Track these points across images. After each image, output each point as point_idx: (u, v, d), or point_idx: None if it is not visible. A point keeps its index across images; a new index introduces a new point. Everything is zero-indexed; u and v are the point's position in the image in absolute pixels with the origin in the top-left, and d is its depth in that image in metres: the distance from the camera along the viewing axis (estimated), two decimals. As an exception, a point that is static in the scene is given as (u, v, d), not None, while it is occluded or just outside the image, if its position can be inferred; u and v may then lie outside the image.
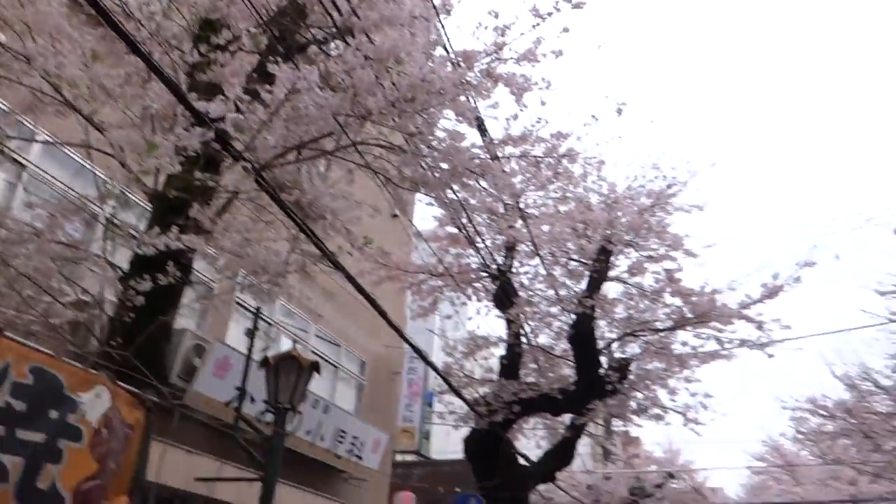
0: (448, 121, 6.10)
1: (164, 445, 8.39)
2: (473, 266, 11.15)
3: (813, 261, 10.25)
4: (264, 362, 6.54)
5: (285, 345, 10.91)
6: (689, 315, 10.64)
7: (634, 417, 12.12)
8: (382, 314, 7.64)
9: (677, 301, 10.73)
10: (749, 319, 10.47)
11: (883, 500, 17.71)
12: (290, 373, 6.41)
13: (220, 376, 9.18)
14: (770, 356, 10.58)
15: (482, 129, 6.99)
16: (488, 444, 10.73)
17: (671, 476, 22.30)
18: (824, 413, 14.59)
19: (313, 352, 11.99)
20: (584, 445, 19.91)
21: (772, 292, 10.40)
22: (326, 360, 12.66)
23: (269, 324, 10.93)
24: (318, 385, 11.78)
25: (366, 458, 12.94)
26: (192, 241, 5.08)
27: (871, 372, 13.12)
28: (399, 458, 22.90)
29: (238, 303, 10.44)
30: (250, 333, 7.67)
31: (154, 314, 5.36)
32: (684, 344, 11.25)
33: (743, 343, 10.74)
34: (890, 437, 12.69)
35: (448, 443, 19.50)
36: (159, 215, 5.53)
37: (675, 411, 11.53)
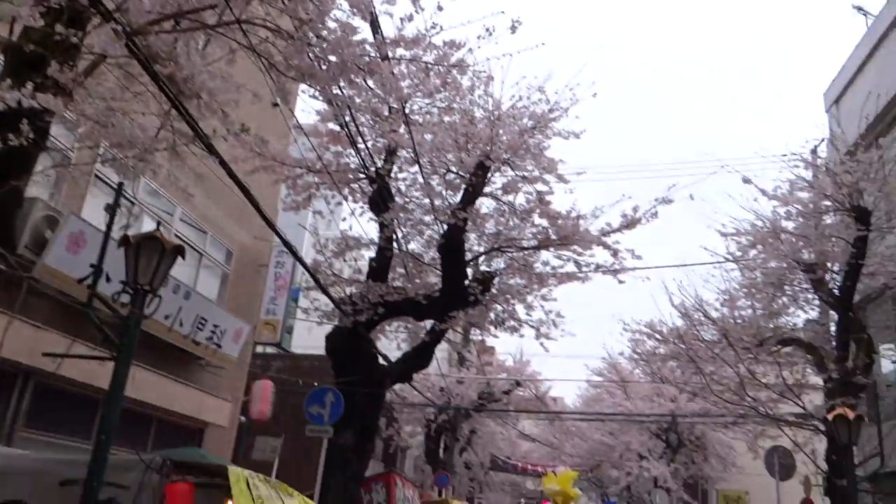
0: (341, 11, 5.89)
1: (8, 317, 7.95)
2: (352, 166, 11.04)
3: (670, 198, 10.97)
4: (124, 241, 6.25)
5: (147, 225, 10.44)
6: (554, 237, 11.16)
7: (492, 328, 12.76)
8: (254, 204, 7.47)
9: (544, 222, 11.19)
10: (606, 246, 11.13)
11: (697, 415, 19.90)
12: (152, 254, 6.18)
13: (74, 252, 8.71)
14: (621, 282, 11.39)
15: (375, 27, 6.80)
16: (350, 342, 10.97)
17: (518, 384, 23.86)
18: (659, 337, 15.99)
19: (177, 236, 11.56)
20: (441, 351, 20.79)
21: (630, 223, 11.07)
22: (191, 246, 12.26)
23: (132, 202, 10.39)
24: (180, 270, 11.44)
25: (226, 346, 12.87)
26: (49, 101, 4.68)
27: (703, 304, 14.42)
28: (260, 349, 22.95)
29: (98, 176, 9.81)
30: (110, 209, 7.28)
31: (3, 178, 4.96)
32: (545, 264, 11.85)
33: (598, 268, 11.46)
34: (711, 362, 14.13)
35: (310, 339, 19.70)
36: (13, 68, 5.03)
37: (529, 325, 12.22)
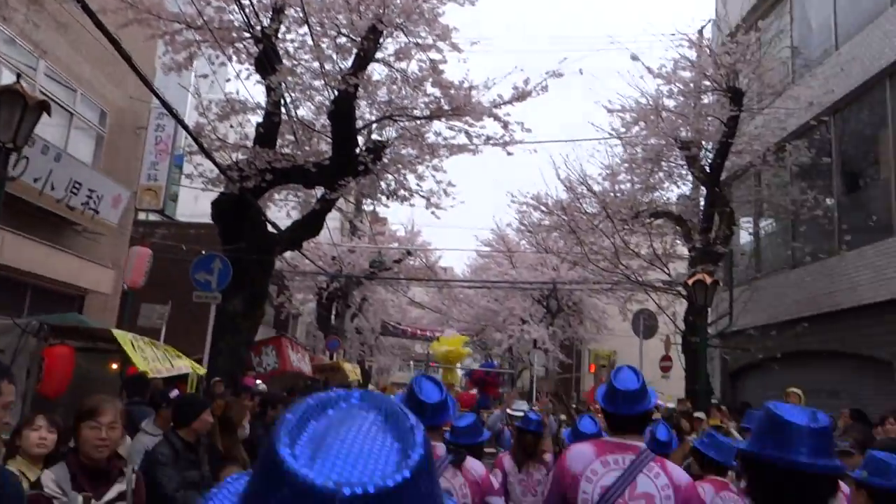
0: None
1: None
2: (236, 24, 10.38)
3: (561, 72, 11.09)
4: (-21, 94, 5.75)
5: (7, 78, 9.54)
6: (446, 107, 11.12)
7: (383, 198, 12.81)
8: (126, 58, 6.97)
9: (437, 92, 11.09)
10: (497, 118, 11.24)
11: (575, 282, 21.21)
12: (14, 109, 5.74)
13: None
14: (510, 154, 11.63)
15: None
16: (237, 208, 10.77)
17: (409, 253, 24.39)
18: (544, 210, 16.65)
19: (42, 91, 10.66)
20: (333, 220, 20.76)
21: (521, 96, 11.17)
22: (59, 104, 11.36)
23: (-14, 52, 9.41)
24: (49, 130, 10.66)
25: (104, 212, 12.32)
26: None
27: (587, 178, 15.05)
28: (143, 217, 22.09)
29: (-57, 21, 8.76)
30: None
31: None
32: (437, 134, 11.85)
33: (489, 140, 11.60)
34: (590, 233, 14.96)
35: (197, 207, 19.11)
36: None
37: (420, 195, 12.37)
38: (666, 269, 14.01)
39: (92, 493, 3.48)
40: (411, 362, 45.36)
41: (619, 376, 3.11)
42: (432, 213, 12.38)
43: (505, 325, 27.17)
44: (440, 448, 3.10)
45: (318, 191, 12.29)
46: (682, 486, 2.91)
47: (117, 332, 6.16)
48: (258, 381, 12.62)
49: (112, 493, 3.56)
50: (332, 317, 23.89)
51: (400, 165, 12.05)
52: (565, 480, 3.08)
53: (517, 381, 29.71)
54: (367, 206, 21.99)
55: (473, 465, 3.13)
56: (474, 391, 17.50)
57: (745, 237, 16.53)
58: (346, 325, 24.26)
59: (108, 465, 3.56)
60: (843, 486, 3.64)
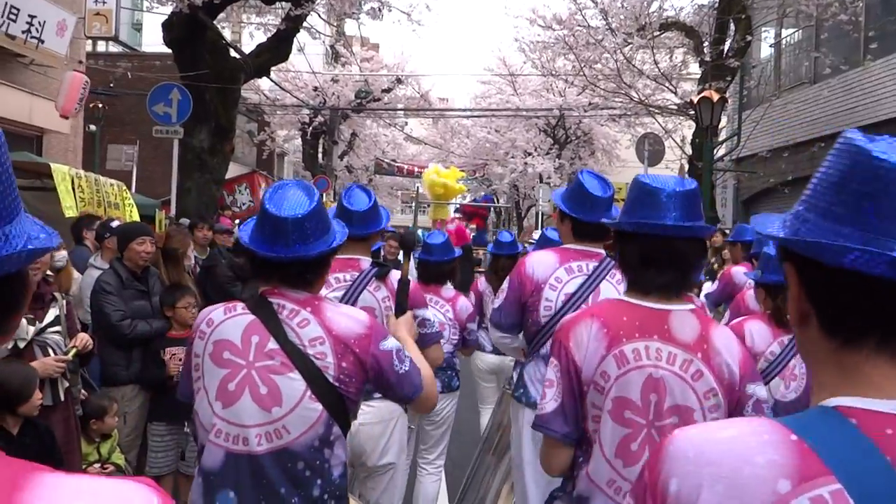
0: None
1: None
2: None
3: None
4: None
5: None
6: None
7: (362, 16, 12.39)
8: None
9: None
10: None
11: (581, 108, 20.88)
12: None
13: None
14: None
15: None
16: (192, 31, 10.46)
17: (399, 81, 23.87)
18: (542, 24, 16.01)
19: None
20: (315, 45, 20.15)
21: None
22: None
23: None
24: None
25: (49, 41, 11.97)
26: None
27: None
28: (102, 48, 21.53)
29: None
30: None
31: None
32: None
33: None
34: (591, 49, 14.46)
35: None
36: None
37: (399, 10, 11.94)
38: (673, 88, 13.73)
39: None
40: (412, 204, 45.69)
41: (588, 181, 3.14)
42: (415, 32, 12.04)
43: (507, 159, 27.09)
44: (364, 262, 3.22)
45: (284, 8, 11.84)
46: None
47: (56, 168, 6.23)
48: (236, 221, 12.88)
49: (49, 317, 3.80)
50: (320, 155, 23.87)
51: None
52: (526, 288, 3.18)
53: (524, 220, 30.09)
54: (354, 34, 21.30)
55: (398, 277, 3.28)
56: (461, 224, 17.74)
57: (763, 51, 16.03)
58: (336, 163, 24.27)
59: (41, 290, 3.77)
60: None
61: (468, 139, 29.35)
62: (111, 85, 17.49)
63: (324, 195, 21.43)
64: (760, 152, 13.88)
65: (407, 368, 2.10)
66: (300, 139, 23.92)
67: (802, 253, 0.87)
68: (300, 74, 21.66)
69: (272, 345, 1.96)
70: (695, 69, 14.34)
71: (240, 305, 2.08)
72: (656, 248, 1.97)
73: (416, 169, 33.13)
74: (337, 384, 1.96)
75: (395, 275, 3.25)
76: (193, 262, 6.74)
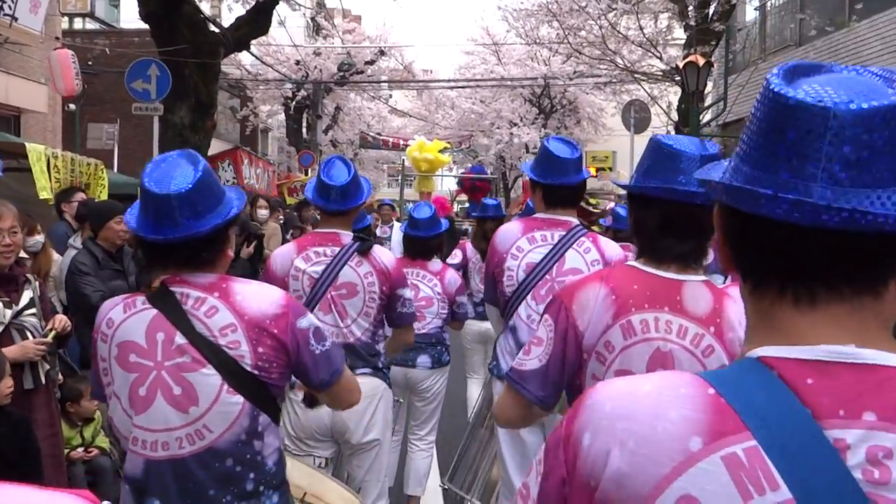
0: None
1: None
2: None
3: None
4: None
5: None
6: None
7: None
8: None
9: None
10: None
11: (566, 77, 20.72)
12: None
13: None
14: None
15: None
16: (168, 4, 10.22)
17: (382, 53, 23.59)
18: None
19: None
20: (296, 17, 19.85)
21: None
22: None
23: None
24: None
25: (23, 18, 11.65)
26: None
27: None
28: (79, 25, 21.16)
29: None
30: None
31: None
32: None
33: None
34: (574, 15, 14.28)
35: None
36: None
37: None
38: (659, 54, 13.60)
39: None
40: (399, 177, 45.48)
41: (554, 145, 3.07)
42: (396, 1, 11.83)
43: (492, 130, 26.91)
44: (345, 236, 3.14)
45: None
46: (614, 261, 2.99)
47: (31, 147, 6.07)
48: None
49: (24, 300, 3.70)
50: (304, 129, 23.61)
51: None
52: (493, 260, 3.15)
53: (511, 192, 30.00)
54: (334, 4, 20.95)
55: (381, 253, 3.20)
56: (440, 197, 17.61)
57: (748, 13, 15.91)
58: (320, 137, 24.01)
59: (14, 272, 3.67)
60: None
61: (453, 111, 29.13)
62: (90, 63, 17.19)
63: (309, 170, 21.32)
64: (746, 117, 13.77)
65: (325, 349, 1.96)
66: (283, 114, 23.63)
67: (724, 200, 0.84)
68: (282, 48, 21.33)
69: (180, 340, 1.80)
70: (680, 34, 14.21)
71: (140, 300, 1.89)
72: (680, 215, 1.81)
73: (401, 142, 32.87)
74: (256, 372, 1.82)
75: (377, 250, 3.17)
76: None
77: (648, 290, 1.86)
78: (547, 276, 2.96)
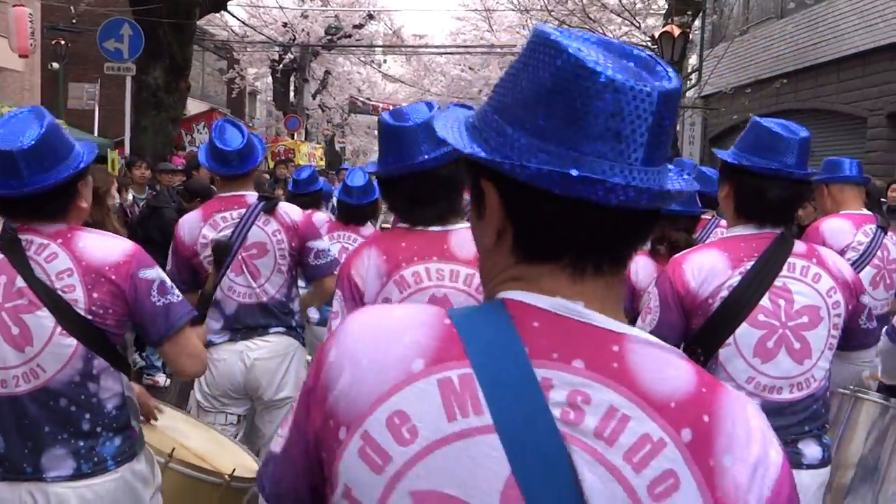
0: None
1: None
2: None
3: None
4: None
5: None
6: None
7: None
8: None
9: None
10: None
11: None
12: None
13: None
14: None
15: None
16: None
17: (371, 17, 23.32)
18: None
19: None
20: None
21: None
22: None
23: None
24: None
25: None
26: None
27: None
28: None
29: None
30: None
31: None
32: None
33: None
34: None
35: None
36: None
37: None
38: (638, 24, 13.48)
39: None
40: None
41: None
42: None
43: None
44: (250, 197, 3.18)
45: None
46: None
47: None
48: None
49: None
50: (291, 93, 23.43)
51: None
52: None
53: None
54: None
55: (287, 209, 3.24)
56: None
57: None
58: (308, 101, 23.85)
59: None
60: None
61: (443, 77, 28.90)
62: (73, 21, 16.99)
63: (294, 135, 21.16)
64: (725, 89, 13.76)
65: (167, 303, 1.97)
66: (271, 77, 23.43)
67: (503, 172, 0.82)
68: (269, 10, 21.09)
69: (20, 283, 1.88)
70: (662, 3, 14.07)
71: None
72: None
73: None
74: (90, 317, 1.88)
75: (284, 206, 3.21)
76: (131, 202, 6.65)
77: (415, 245, 2.03)
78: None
